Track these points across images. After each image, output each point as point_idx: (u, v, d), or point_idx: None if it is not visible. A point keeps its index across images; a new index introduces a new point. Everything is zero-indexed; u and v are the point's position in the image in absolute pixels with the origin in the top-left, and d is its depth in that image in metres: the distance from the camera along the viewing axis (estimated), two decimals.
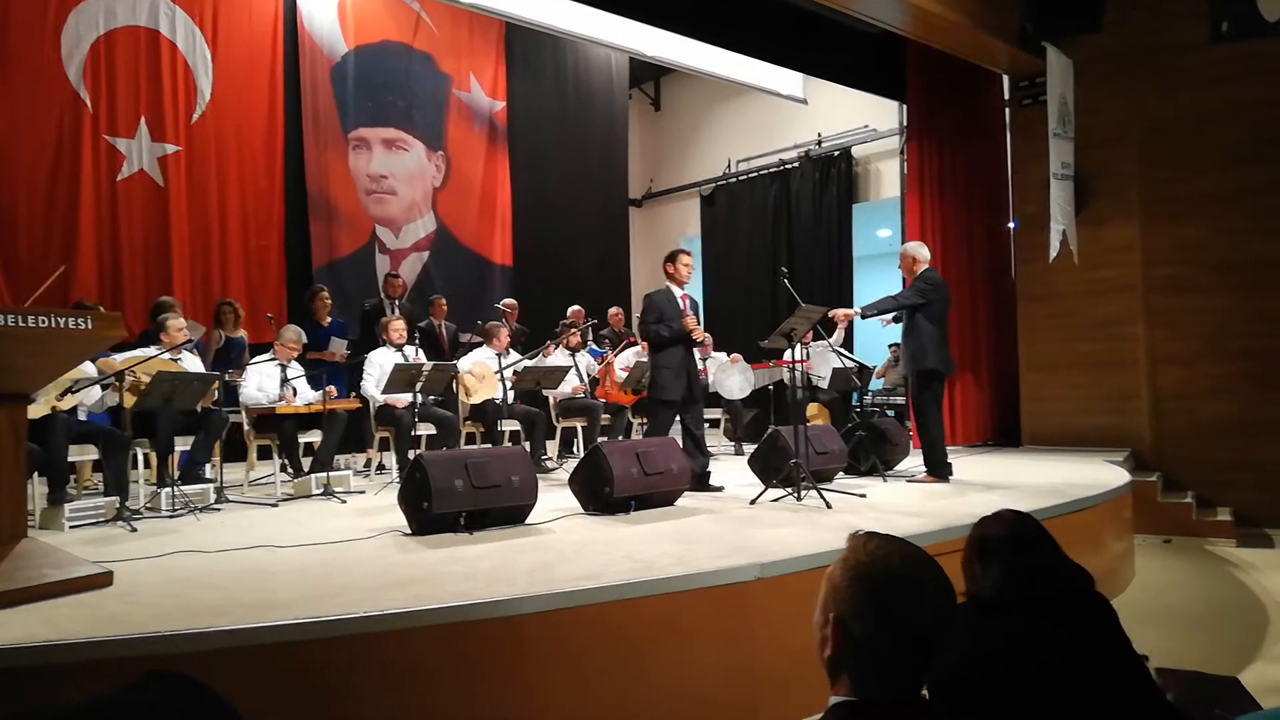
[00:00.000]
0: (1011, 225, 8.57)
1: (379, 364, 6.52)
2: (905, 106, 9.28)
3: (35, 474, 4.73)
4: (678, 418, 5.73)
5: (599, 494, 4.74)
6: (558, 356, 7.73)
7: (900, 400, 9.64)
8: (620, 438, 7.41)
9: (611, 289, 11.37)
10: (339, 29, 9.41)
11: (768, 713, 3.25)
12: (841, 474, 6.14)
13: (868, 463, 6.28)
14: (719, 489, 5.61)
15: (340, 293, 8.57)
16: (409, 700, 2.69)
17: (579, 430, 7.66)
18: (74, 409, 5.18)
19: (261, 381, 5.98)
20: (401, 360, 6.42)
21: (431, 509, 4.09)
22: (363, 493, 5.90)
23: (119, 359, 5.23)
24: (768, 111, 11.77)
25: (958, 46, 7.69)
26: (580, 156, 11.54)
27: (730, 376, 8.57)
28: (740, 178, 12.23)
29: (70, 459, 5.07)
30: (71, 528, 4.55)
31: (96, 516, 4.71)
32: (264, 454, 6.42)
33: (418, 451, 5.81)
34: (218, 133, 8.52)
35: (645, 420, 7.99)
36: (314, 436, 6.05)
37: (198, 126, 8.42)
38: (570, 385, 7.59)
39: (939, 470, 5.91)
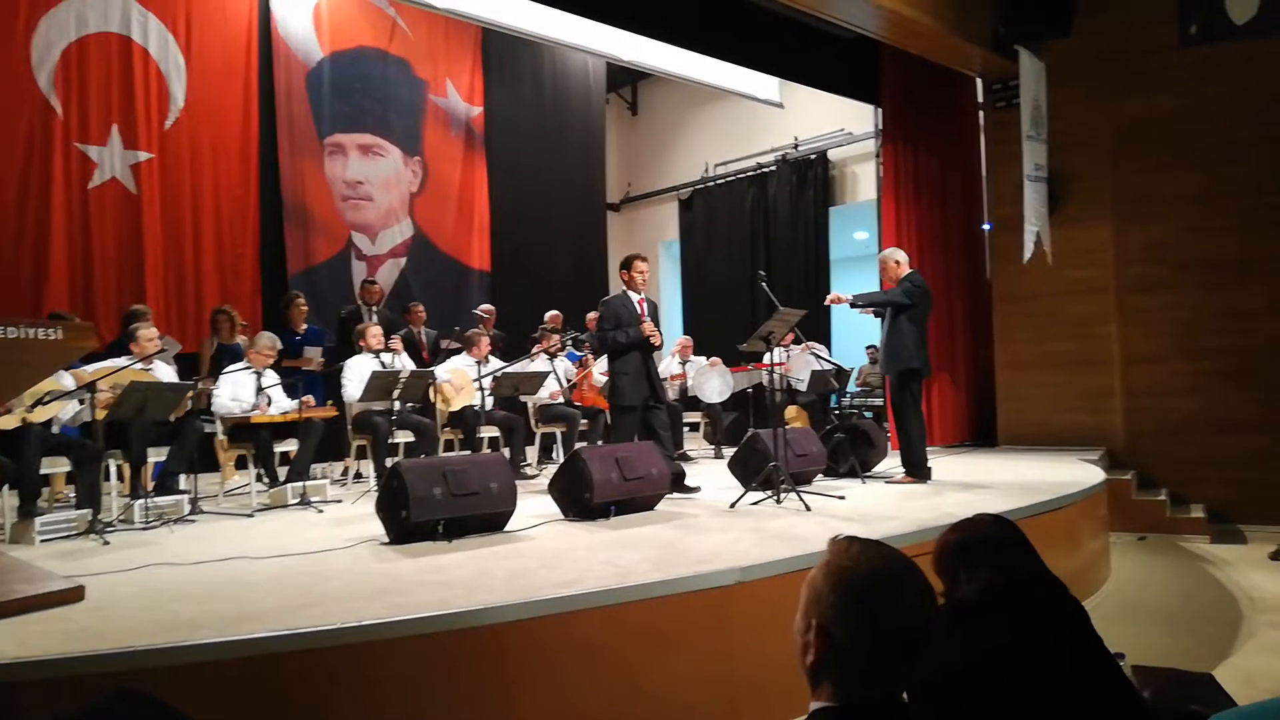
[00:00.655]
0: (986, 227, 8.64)
1: (357, 371, 6.48)
2: (880, 110, 9.34)
3: (6, 487, 4.67)
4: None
5: (579, 500, 4.73)
6: (536, 362, 7.70)
7: (878, 402, 9.69)
8: (599, 442, 7.40)
9: (590, 293, 11.31)
10: (314, 35, 9.36)
11: (748, 718, 3.25)
12: (821, 476, 6.17)
13: (846, 464, 6.31)
14: (695, 490, 5.62)
15: (316, 299, 8.52)
16: (387, 712, 2.67)
17: (558, 436, 7.64)
18: (49, 421, 5.11)
19: (236, 390, 5.92)
20: (379, 367, 6.39)
21: (409, 517, 4.07)
22: (340, 502, 5.86)
23: (89, 370, 5.17)
24: (745, 116, 11.81)
25: (931, 50, 7.74)
26: (558, 161, 11.53)
27: (709, 380, 8.58)
28: (718, 181, 12.26)
29: (42, 471, 5.00)
30: (43, 541, 4.49)
31: (68, 530, 4.66)
32: (240, 464, 6.36)
33: (396, 459, 5.78)
34: (191, 139, 8.44)
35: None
36: (290, 445, 5.99)
37: (171, 133, 8.35)
38: (549, 391, 7.57)
39: (917, 471, 5.94)
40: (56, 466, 5.18)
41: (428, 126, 10.27)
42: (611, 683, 3.03)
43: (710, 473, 5.69)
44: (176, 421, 5.49)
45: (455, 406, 6.89)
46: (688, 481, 5.69)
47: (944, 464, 6.62)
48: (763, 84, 10.53)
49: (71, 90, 7.81)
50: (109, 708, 0.82)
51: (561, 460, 6.06)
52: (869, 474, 6.33)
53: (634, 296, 5.76)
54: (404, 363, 6.95)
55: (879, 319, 6.21)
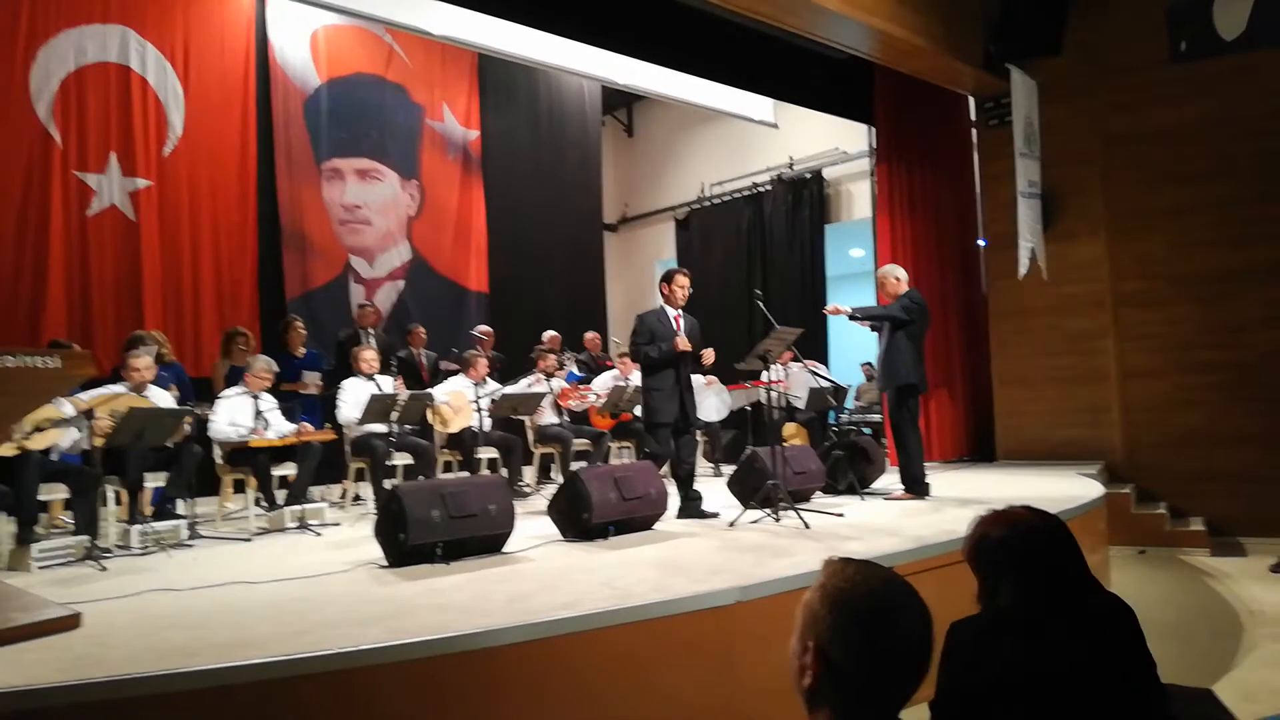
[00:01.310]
0: (981, 243, 8.68)
1: (353, 393, 6.48)
2: (874, 129, 9.40)
3: (3, 514, 4.66)
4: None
5: (577, 520, 4.72)
6: (534, 383, 7.71)
7: (877, 418, 9.69)
8: (600, 463, 7.40)
9: (588, 314, 11.39)
10: (311, 62, 9.44)
11: None
12: (819, 493, 6.16)
13: (845, 481, 6.31)
14: (714, 515, 5.37)
15: (315, 323, 8.53)
16: None
17: (556, 456, 7.64)
18: (47, 448, 5.11)
19: (234, 415, 5.92)
20: (375, 390, 6.39)
21: (408, 540, 4.06)
22: (338, 525, 5.85)
23: (85, 397, 5.17)
24: (739, 136, 11.88)
25: (924, 70, 7.81)
26: (555, 183, 11.59)
27: (707, 399, 8.58)
28: (714, 201, 12.32)
29: (40, 498, 4.99)
30: (40, 568, 4.48)
31: (66, 556, 4.65)
32: (238, 487, 6.36)
33: (394, 482, 5.78)
34: (190, 166, 8.49)
35: (626, 445, 8.00)
36: (288, 469, 5.98)
37: (169, 161, 8.39)
38: (548, 411, 7.58)
39: (916, 487, 5.94)
40: (54, 493, 5.15)
41: (425, 151, 10.33)
42: (610, 704, 3.01)
43: (709, 491, 5.68)
44: (174, 446, 5.48)
45: (453, 428, 6.89)
46: (705, 507, 5.46)
47: (943, 480, 6.62)
48: (757, 105, 10.60)
49: (70, 119, 7.86)
50: None
51: (559, 480, 6.05)
52: (868, 490, 6.32)
53: (671, 312, 5.54)
54: (396, 388, 6.93)
55: (876, 334, 6.23)
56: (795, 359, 7.66)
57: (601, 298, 12.24)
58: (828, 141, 10.87)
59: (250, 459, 5.79)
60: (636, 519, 4.90)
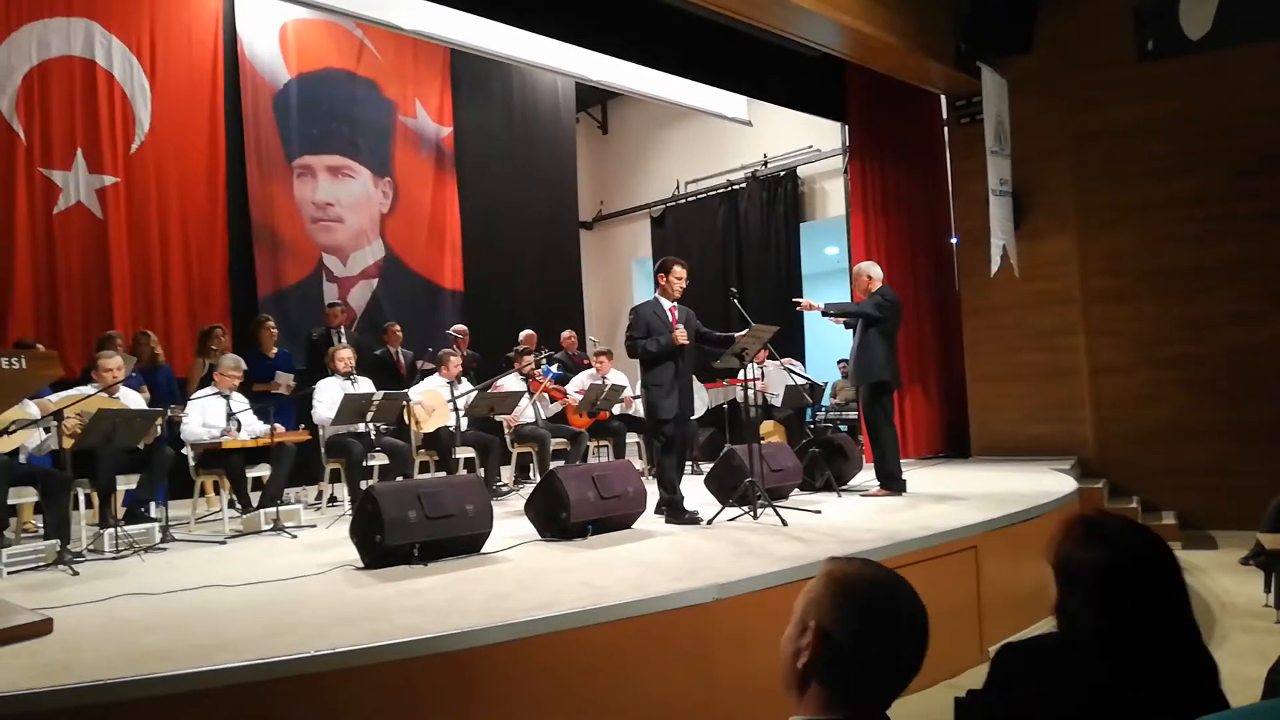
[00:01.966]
0: (953, 240, 8.75)
1: (328, 393, 6.42)
2: (847, 127, 9.44)
3: None
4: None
5: (555, 520, 4.71)
6: (510, 382, 7.67)
7: (853, 415, 9.75)
8: (578, 462, 7.38)
9: (564, 312, 11.36)
10: (280, 57, 9.33)
11: None
12: (797, 490, 6.19)
13: (822, 478, 6.33)
14: (696, 519, 5.14)
15: (287, 322, 8.45)
16: None
17: (534, 455, 7.62)
18: (15, 451, 5.02)
19: (206, 416, 5.84)
20: (350, 389, 6.33)
21: (384, 541, 4.04)
22: (314, 526, 5.80)
23: (55, 399, 5.09)
24: (714, 133, 11.90)
25: (895, 68, 7.86)
26: (529, 180, 11.54)
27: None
28: (689, 199, 12.33)
29: (10, 502, 4.91)
30: (10, 573, 4.41)
31: (36, 561, 4.59)
32: (212, 489, 6.29)
33: (370, 482, 5.73)
34: (158, 163, 8.37)
35: (604, 443, 7.99)
36: (262, 471, 5.92)
37: (137, 157, 8.27)
38: (526, 410, 7.55)
39: (892, 483, 5.97)
40: (24, 497, 5.07)
41: (397, 147, 10.25)
42: (588, 706, 3.01)
43: (687, 489, 5.68)
44: (146, 448, 5.41)
45: (428, 428, 6.85)
46: (688, 505, 5.27)
47: (918, 476, 6.67)
48: (731, 102, 10.61)
49: (34, 115, 7.72)
50: None
51: (537, 480, 6.03)
52: (845, 487, 6.36)
53: (666, 303, 5.37)
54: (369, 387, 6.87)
55: (850, 330, 6.26)
56: (771, 357, 7.71)
57: (578, 296, 12.22)
58: (801, 139, 10.92)
59: (223, 460, 5.72)
60: (615, 518, 4.89)
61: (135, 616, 3.36)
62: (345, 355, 6.66)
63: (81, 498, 5.24)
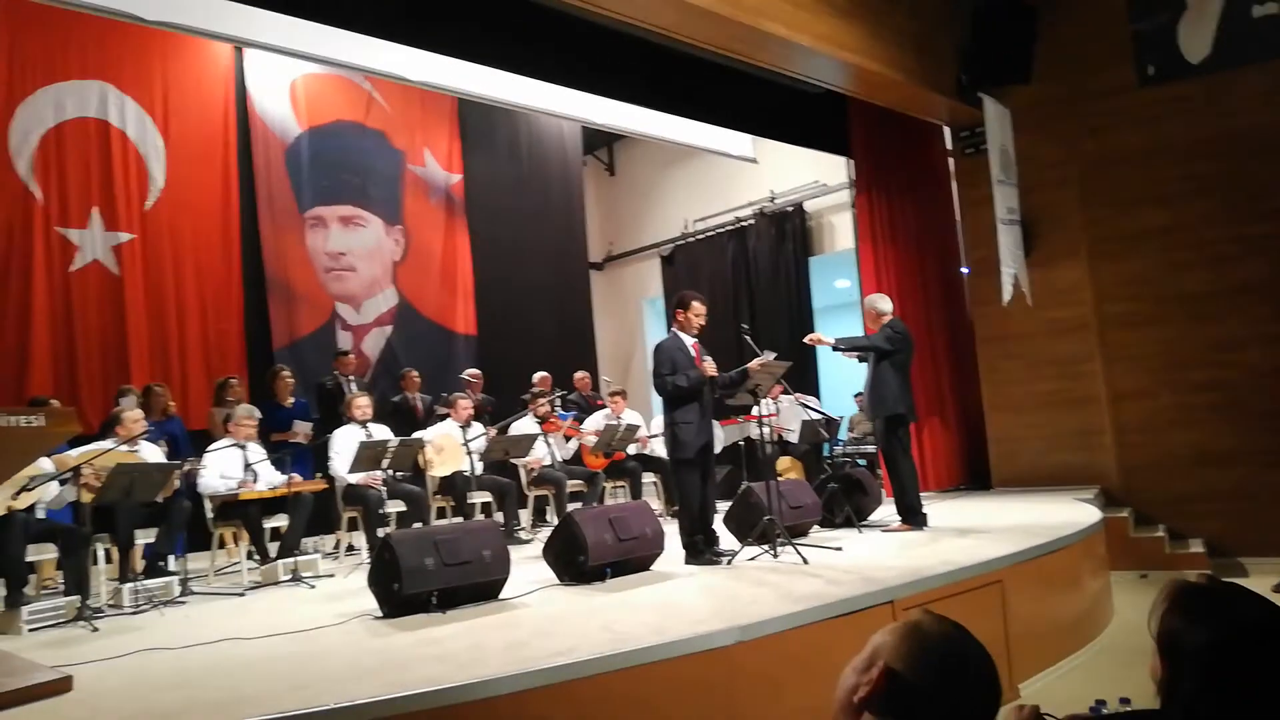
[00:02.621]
0: (964, 271, 8.74)
1: (344, 443, 6.42)
2: (852, 161, 9.49)
3: None
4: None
5: (574, 563, 4.68)
6: (525, 424, 7.67)
7: (871, 449, 9.67)
8: (594, 504, 7.34)
9: (576, 353, 11.38)
10: (291, 111, 9.48)
11: None
12: (816, 527, 6.12)
13: (842, 514, 6.27)
14: (717, 560, 5.04)
15: (303, 372, 8.49)
16: None
17: (550, 498, 7.58)
18: (32, 507, 5.04)
19: (223, 467, 5.85)
20: (366, 437, 6.34)
21: (402, 590, 4.01)
22: (332, 576, 5.78)
23: (74, 454, 5.11)
24: (721, 171, 11.98)
25: (898, 102, 7.91)
26: (539, 223, 11.64)
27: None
28: (698, 237, 12.39)
29: (29, 558, 4.92)
30: (30, 630, 4.41)
31: (57, 617, 4.57)
32: (229, 540, 6.28)
33: (388, 530, 5.72)
34: (172, 219, 8.49)
35: (621, 484, 7.95)
36: (280, 521, 5.91)
37: (151, 214, 8.39)
38: (541, 453, 7.53)
39: (913, 518, 5.91)
40: (44, 553, 5.09)
41: (407, 195, 10.37)
42: None
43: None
44: (164, 501, 5.42)
45: (439, 472, 6.83)
46: (722, 547, 5.18)
47: (939, 509, 6.60)
48: (736, 141, 10.70)
49: (51, 175, 7.86)
50: None
51: (555, 523, 6.00)
52: (865, 523, 6.29)
53: (687, 340, 5.28)
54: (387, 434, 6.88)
55: (863, 363, 6.24)
56: (785, 392, 7.69)
57: (590, 336, 12.24)
58: (807, 174, 10.98)
59: (241, 511, 5.72)
60: (634, 560, 4.85)
61: (155, 672, 3.34)
62: (363, 403, 6.66)
63: (101, 552, 5.24)
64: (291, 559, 5.64)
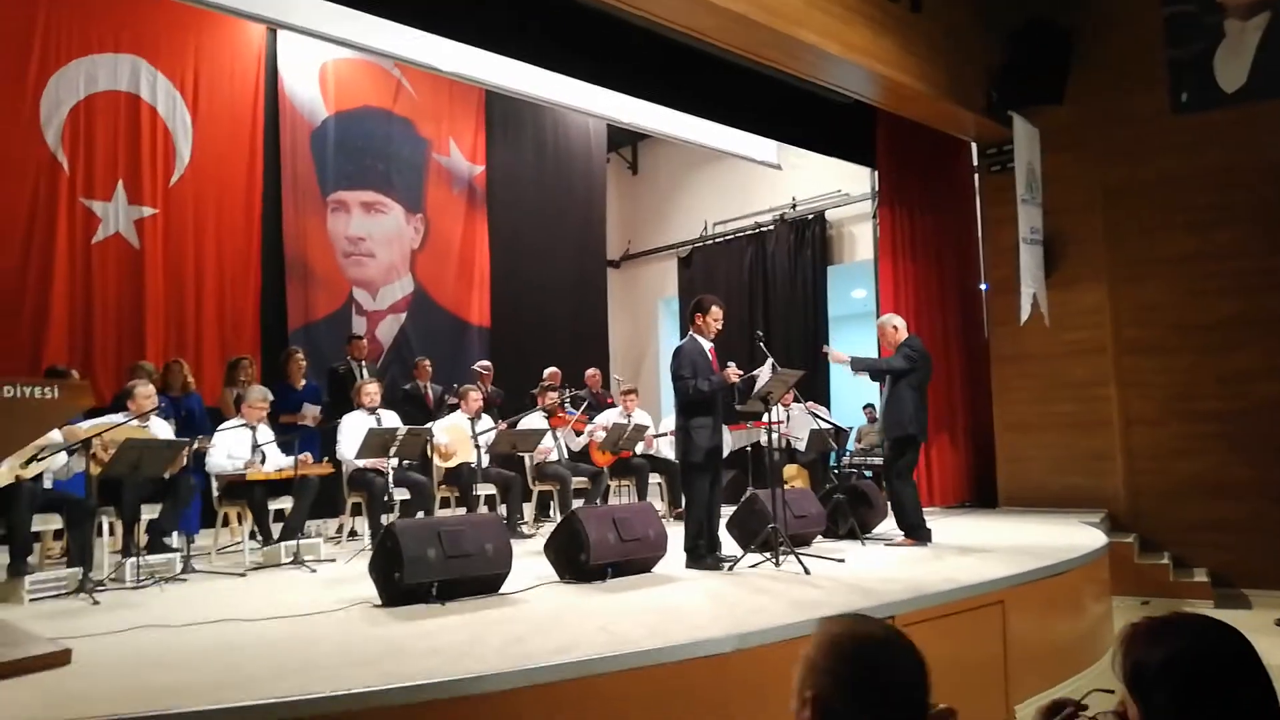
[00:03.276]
0: (983, 288, 8.69)
1: (352, 428, 6.44)
2: (876, 172, 9.46)
3: None
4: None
5: (575, 561, 4.68)
6: (534, 420, 7.68)
7: (878, 461, 9.64)
8: (598, 502, 7.35)
9: (589, 350, 11.37)
10: (320, 95, 9.51)
11: None
12: (820, 537, 6.11)
13: (846, 526, 6.25)
14: (719, 565, 5.02)
15: (316, 355, 8.52)
16: None
17: (555, 494, 7.59)
18: (39, 476, 5.08)
19: (231, 447, 5.88)
20: (374, 424, 6.35)
21: (403, 579, 4.02)
22: (333, 561, 5.79)
23: (85, 426, 5.14)
24: (743, 176, 11.96)
25: (926, 115, 7.88)
26: (559, 219, 11.64)
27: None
28: (717, 240, 12.37)
29: (34, 528, 4.95)
30: (32, 600, 4.43)
31: (58, 588, 4.59)
32: (233, 520, 6.32)
33: (391, 518, 5.73)
34: (196, 196, 8.53)
35: (626, 483, 7.95)
36: (285, 503, 5.93)
37: (175, 189, 8.43)
38: (546, 451, 7.53)
39: (917, 534, 5.89)
40: (49, 524, 5.13)
41: (430, 184, 10.39)
42: None
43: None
44: (170, 477, 5.45)
45: (449, 464, 6.84)
46: (724, 553, 5.18)
47: (944, 526, 6.57)
48: (760, 146, 10.67)
49: (79, 146, 7.91)
50: None
51: (557, 519, 5.99)
52: (868, 535, 6.27)
53: (705, 344, 5.26)
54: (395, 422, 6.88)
55: (878, 383, 6.21)
56: (796, 400, 7.66)
57: (604, 334, 12.23)
58: (830, 183, 10.94)
59: (246, 492, 5.75)
60: (635, 561, 4.85)
61: (153, 650, 3.35)
62: (372, 390, 6.67)
63: (105, 525, 5.27)
64: (294, 542, 5.66)
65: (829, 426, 8.10)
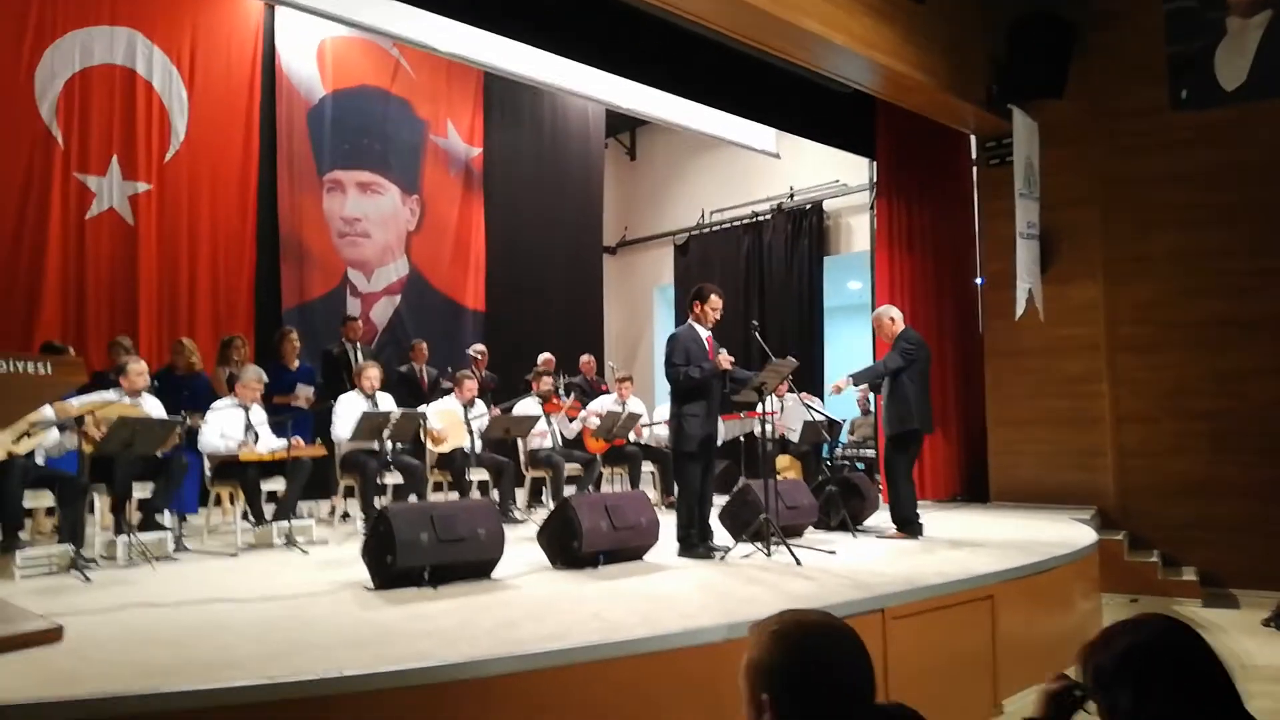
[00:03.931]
0: (979, 282, 8.70)
1: (347, 409, 6.42)
2: (875, 163, 9.44)
3: None
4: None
5: (567, 548, 4.68)
6: (527, 405, 7.67)
7: (871, 453, 9.68)
8: (590, 489, 7.36)
9: (584, 336, 11.36)
10: (317, 73, 9.45)
11: None
12: (811, 528, 6.12)
13: (838, 517, 6.26)
14: (710, 555, 5.06)
15: (310, 335, 8.48)
16: None
17: (547, 480, 7.59)
18: (32, 453, 5.05)
19: (224, 427, 5.86)
20: (370, 407, 6.34)
21: (395, 563, 4.02)
22: (326, 543, 5.79)
23: (76, 403, 5.12)
24: (741, 164, 11.92)
25: (925, 107, 7.85)
26: (555, 203, 11.60)
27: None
28: (714, 228, 12.34)
29: (26, 504, 4.94)
30: (23, 577, 4.43)
31: (49, 565, 4.59)
32: (224, 500, 6.30)
33: (384, 501, 5.73)
34: (191, 172, 8.46)
35: (619, 470, 7.96)
36: (277, 484, 5.92)
37: (170, 165, 8.37)
38: (542, 434, 7.53)
39: (909, 527, 5.91)
40: (40, 500, 5.11)
41: (427, 165, 10.34)
42: None
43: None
44: (163, 456, 5.43)
45: (443, 449, 6.83)
46: (716, 542, 5.20)
47: (936, 520, 6.59)
48: (760, 134, 10.64)
49: (73, 120, 7.84)
50: None
51: (551, 505, 6.00)
52: (860, 527, 6.28)
53: (702, 332, 5.27)
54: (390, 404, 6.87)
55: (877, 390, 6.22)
56: (790, 391, 7.67)
57: (599, 320, 12.22)
58: (828, 173, 10.92)
59: (239, 472, 5.73)
60: (627, 548, 4.86)
61: (145, 628, 3.35)
62: (373, 374, 6.61)
63: (97, 502, 5.26)
64: (286, 523, 5.65)
65: (822, 418, 8.11)
